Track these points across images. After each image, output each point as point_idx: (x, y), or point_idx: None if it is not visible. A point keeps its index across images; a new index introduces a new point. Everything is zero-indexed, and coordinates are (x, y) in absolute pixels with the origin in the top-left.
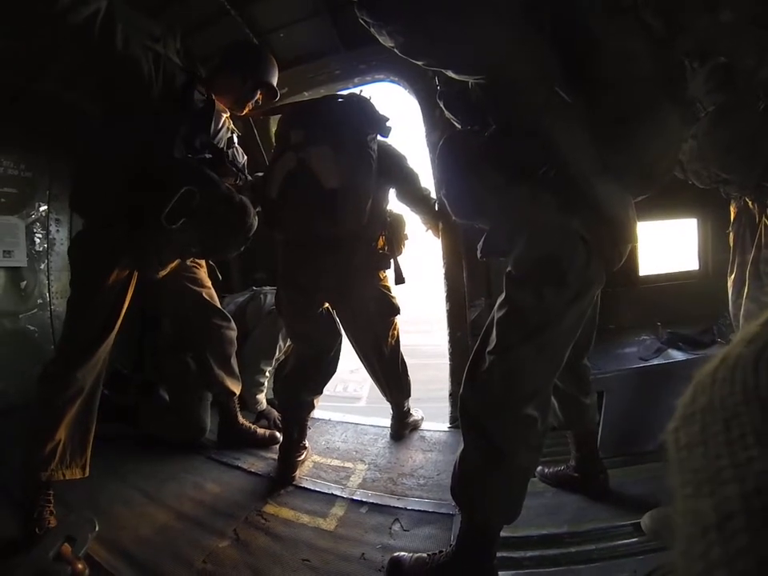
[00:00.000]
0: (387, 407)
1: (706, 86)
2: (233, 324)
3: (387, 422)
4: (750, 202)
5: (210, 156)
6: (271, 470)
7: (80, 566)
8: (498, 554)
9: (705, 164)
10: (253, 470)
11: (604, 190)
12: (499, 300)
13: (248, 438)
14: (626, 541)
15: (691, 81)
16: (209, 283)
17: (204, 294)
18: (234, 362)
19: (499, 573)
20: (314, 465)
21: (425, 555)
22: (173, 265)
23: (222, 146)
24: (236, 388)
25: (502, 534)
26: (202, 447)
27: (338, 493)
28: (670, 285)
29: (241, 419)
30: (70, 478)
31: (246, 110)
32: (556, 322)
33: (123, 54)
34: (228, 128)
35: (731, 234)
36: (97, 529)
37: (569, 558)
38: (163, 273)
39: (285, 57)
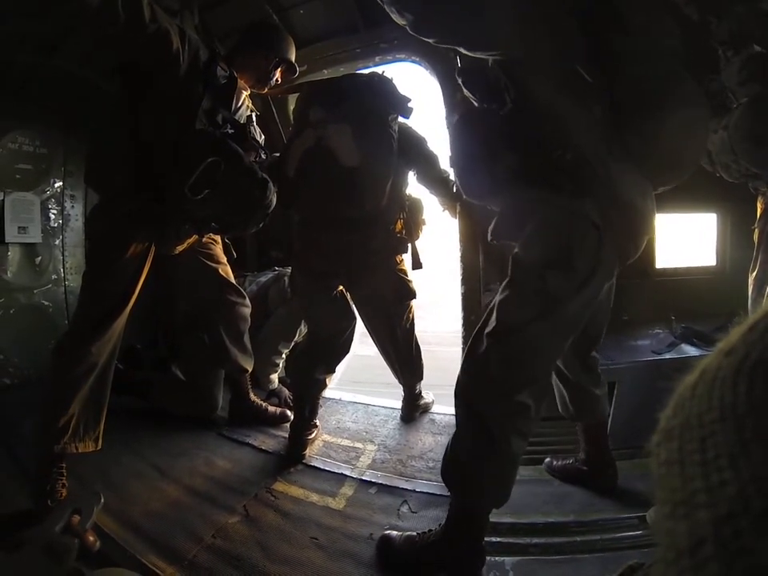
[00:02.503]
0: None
1: (738, 77)
2: (247, 301)
3: (398, 403)
4: None
5: (233, 131)
6: (281, 447)
7: (91, 538)
8: (504, 540)
9: (734, 157)
10: (263, 448)
11: (623, 178)
12: (503, 282)
13: (259, 415)
14: (631, 533)
15: (724, 70)
16: (224, 259)
17: (219, 270)
18: (246, 338)
19: (505, 558)
20: (324, 444)
21: (414, 534)
22: (190, 240)
23: (242, 122)
24: (248, 365)
25: (509, 520)
26: (213, 423)
27: (347, 473)
28: (686, 279)
29: (252, 396)
30: (83, 451)
31: (267, 87)
32: (559, 308)
33: (153, 29)
34: (247, 106)
35: (756, 230)
36: (102, 502)
37: (574, 546)
38: (180, 248)
39: (304, 34)
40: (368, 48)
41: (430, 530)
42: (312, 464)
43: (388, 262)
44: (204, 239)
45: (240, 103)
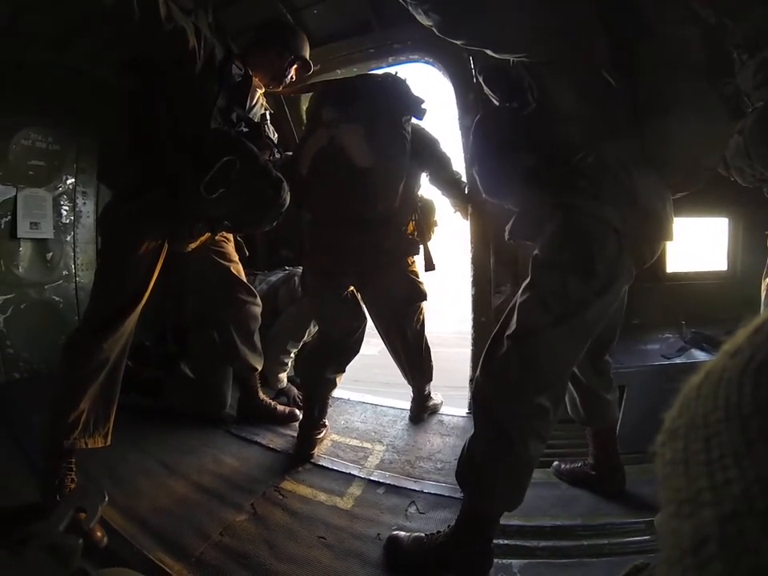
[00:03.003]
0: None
1: (753, 80)
2: (258, 300)
3: (407, 404)
4: None
5: (247, 129)
6: (290, 446)
7: (99, 533)
8: (512, 542)
9: (749, 161)
10: (271, 446)
11: (643, 183)
12: (524, 284)
13: (268, 413)
14: (638, 538)
15: (739, 73)
16: (236, 258)
17: (231, 269)
18: (257, 337)
19: (512, 561)
20: (333, 444)
21: (422, 534)
22: (203, 238)
23: (256, 121)
24: (258, 364)
25: (517, 522)
26: (221, 421)
27: (355, 472)
28: (697, 284)
29: (261, 395)
30: (93, 446)
31: (282, 85)
32: (580, 312)
33: (169, 28)
34: (262, 105)
35: None
36: (106, 500)
37: (581, 550)
38: (193, 245)
39: (318, 34)
40: (381, 48)
41: (439, 532)
42: (320, 463)
43: (399, 263)
44: (217, 237)
45: (254, 101)
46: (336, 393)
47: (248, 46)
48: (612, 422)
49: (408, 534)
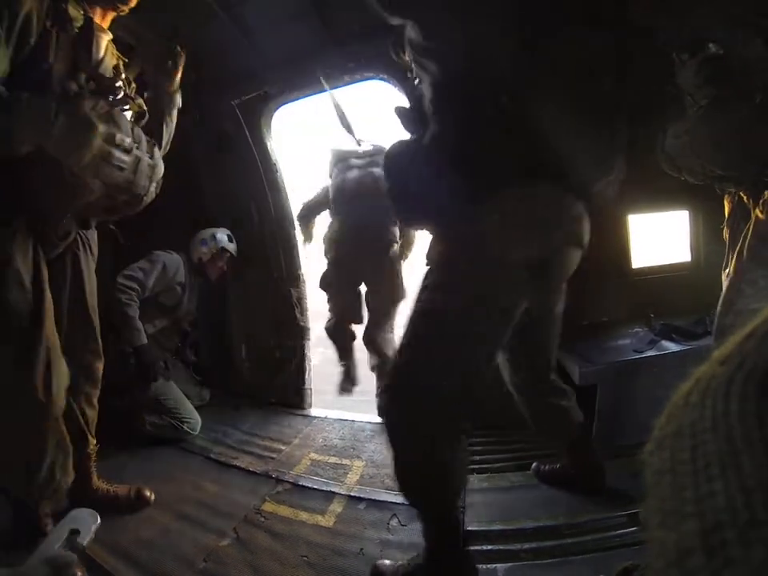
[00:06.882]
0: None
1: (696, 79)
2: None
3: None
4: (745, 197)
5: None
6: (269, 468)
7: (79, 572)
8: (495, 547)
9: (699, 161)
10: (251, 469)
11: (546, 197)
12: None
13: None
14: (621, 531)
15: (679, 73)
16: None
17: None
18: None
19: (497, 565)
20: (312, 462)
21: (405, 562)
22: (71, 238)
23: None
24: None
25: (499, 527)
26: (200, 447)
27: (335, 490)
28: (663, 277)
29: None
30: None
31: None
32: (465, 324)
33: None
34: (112, 53)
35: (726, 229)
36: (99, 521)
37: (565, 549)
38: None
39: (272, 56)
40: (337, 68)
41: (418, 554)
42: (300, 483)
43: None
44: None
45: (103, 53)
46: (313, 411)
47: None
48: (579, 429)
49: (392, 562)
